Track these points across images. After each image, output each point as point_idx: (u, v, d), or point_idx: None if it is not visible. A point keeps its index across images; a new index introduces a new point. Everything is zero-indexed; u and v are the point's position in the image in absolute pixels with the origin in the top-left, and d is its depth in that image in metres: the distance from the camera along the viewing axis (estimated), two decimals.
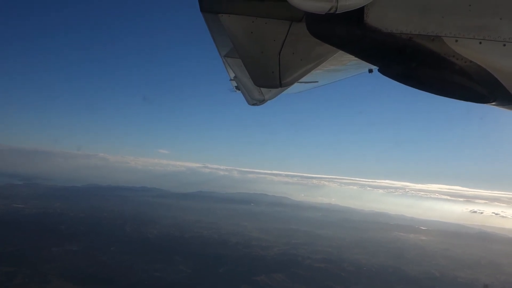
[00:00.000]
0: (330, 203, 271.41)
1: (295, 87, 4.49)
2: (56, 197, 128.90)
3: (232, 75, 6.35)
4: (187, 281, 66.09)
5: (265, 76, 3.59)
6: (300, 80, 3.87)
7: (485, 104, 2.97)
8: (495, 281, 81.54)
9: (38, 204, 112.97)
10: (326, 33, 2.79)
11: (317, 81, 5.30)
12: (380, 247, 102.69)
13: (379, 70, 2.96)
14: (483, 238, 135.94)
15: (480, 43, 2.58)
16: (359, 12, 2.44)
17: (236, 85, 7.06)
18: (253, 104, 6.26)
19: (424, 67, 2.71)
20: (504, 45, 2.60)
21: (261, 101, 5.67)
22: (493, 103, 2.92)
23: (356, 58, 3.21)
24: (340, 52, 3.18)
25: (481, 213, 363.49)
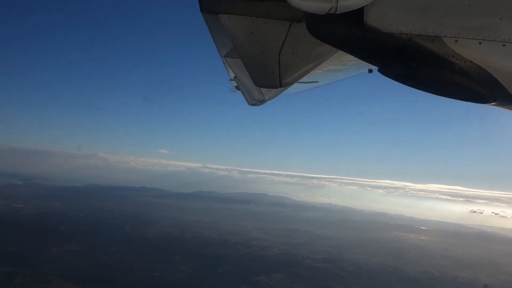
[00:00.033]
0: (330, 203, 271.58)
1: (295, 87, 4.49)
2: (56, 197, 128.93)
3: (232, 75, 6.36)
4: (187, 281, 66.10)
5: (265, 76, 3.59)
6: (300, 80, 3.87)
7: (485, 104, 2.98)
8: (495, 281, 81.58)
9: (38, 204, 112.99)
10: (326, 33, 2.79)
11: (317, 81, 5.30)
12: (380, 247, 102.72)
13: (379, 70, 2.97)
14: (483, 238, 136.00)
15: (480, 43, 2.58)
16: (359, 12, 2.44)
17: (236, 85, 7.07)
18: (253, 104, 6.26)
19: (424, 67, 2.71)
20: (504, 45, 2.60)
21: (261, 101, 5.67)
22: (493, 103, 2.93)
23: (356, 58, 3.21)
24: (340, 52, 3.18)
25: (481, 213, 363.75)
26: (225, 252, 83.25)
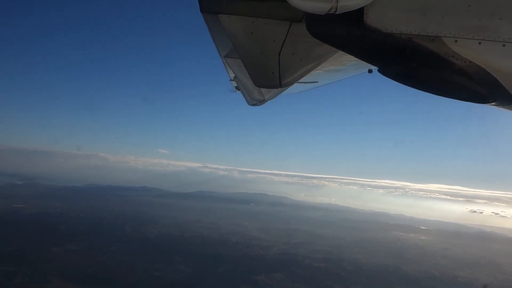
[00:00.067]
0: (330, 203, 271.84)
1: (295, 87, 4.49)
2: (56, 197, 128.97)
3: (232, 75, 6.36)
4: (187, 281, 66.12)
5: (265, 77, 3.59)
6: (300, 80, 3.87)
7: (485, 104, 2.98)
8: (494, 280, 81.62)
9: (38, 204, 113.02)
10: (326, 33, 2.79)
11: (317, 81, 5.30)
12: (380, 247, 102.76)
13: (378, 71, 2.97)
14: (483, 237, 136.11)
15: (480, 43, 2.58)
16: (359, 13, 2.44)
17: (236, 85, 7.07)
18: (253, 105, 6.26)
19: (423, 67, 2.71)
20: (504, 45, 2.61)
21: (261, 101, 5.68)
22: (493, 103, 2.93)
23: (356, 59, 3.21)
24: (340, 52, 3.18)
25: (481, 212, 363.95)
26: (225, 252, 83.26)
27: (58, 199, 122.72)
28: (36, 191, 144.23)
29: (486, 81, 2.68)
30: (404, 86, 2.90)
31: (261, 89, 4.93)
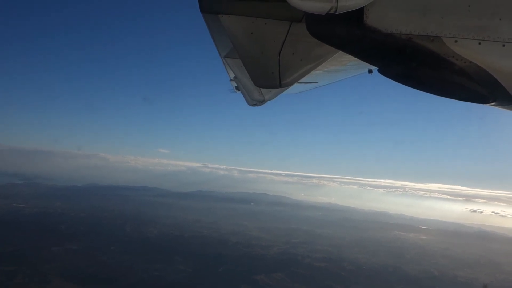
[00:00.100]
0: (330, 202, 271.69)
1: (295, 88, 4.49)
2: (56, 196, 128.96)
3: (232, 75, 6.35)
4: (187, 281, 66.14)
5: (265, 77, 3.58)
6: (300, 81, 3.87)
7: (484, 104, 2.98)
8: (494, 280, 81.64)
9: (38, 203, 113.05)
10: (326, 33, 2.79)
11: (317, 82, 5.30)
12: (380, 247, 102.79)
13: (378, 71, 2.97)
14: (483, 237, 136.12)
15: (480, 43, 2.58)
16: (359, 13, 2.44)
17: (236, 85, 7.06)
18: (253, 105, 6.26)
19: (423, 67, 2.72)
20: (504, 45, 2.61)
21: (261, 102, 5.68)
22: (493, 104, 2.93)
23: (356, 59, 3.21)
24: (340, 52, 3.17)
25: (481, 212, 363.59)
26: (225, 251, 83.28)
27: (58, 199, 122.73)
28: (36, 191, 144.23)
29: (486, 81, 2.68)
30: (404, 86, 2.90)
31: (261, 89, 4.93)
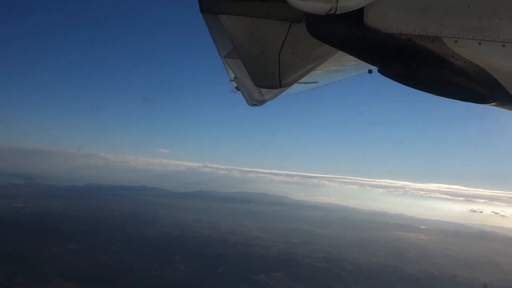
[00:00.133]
0: (330, 202, 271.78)
1: (295, 88, 4.49)
2: (56, 196, 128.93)
3: (232, 75, 6.35)
4: (187, 281, 66.14)
5: (265, 77, 3.59)
6: (300, 81, 3.87)
7: (484, 104, 2.98)
8: (494, 280, 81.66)
9: (38, 203, 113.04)
10: (326, 33, 2.79)
11: (317, 82, 5.30)
12: (380, 246, 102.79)
13: (378, 71, 2.97)
14: (483, 237, 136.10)
15: (480, 43, 2.59)
16: (359, 13, 2.44)
17: (236, 85, 7.06)
18: (253, 105, 6.26)
19: (423, 67, 2.72)
20: (504, 45, 2.61)
21: (261, 102, 5.67)
22: (493, 104, 2.94)
23: (356, 59, 3.21)
24: (340, 52, 3.18)
25: (481, 212, 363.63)
26: (225, 251, 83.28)
27: (59, 199, 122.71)
28: (37, 190, 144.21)
29: (486, 81, 2.69)
30: (404, 86, 2.90)
31: (261, 89, 4.92)
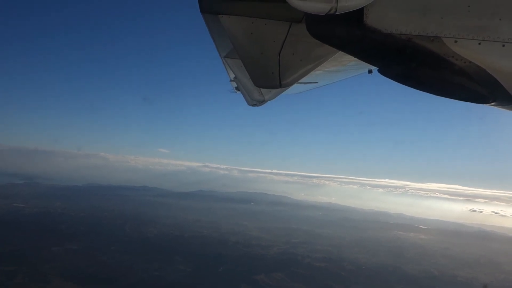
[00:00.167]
0: (330, 202, 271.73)
1: (295, 88, 4.50)
2: (56, 196, 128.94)
3: (232, 76, 6.35)
4: (187, 281, 66.14)
5: (265, 77, 3.59)
6: (300, 81, 3.87)
7: (484, 104, 2.98)
8: (494, 280, 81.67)
9: (38, 203, 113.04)
10: (326, 34, 2.79)
11: (317, 82, 5.30)
12: (380, 246, 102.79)
13: (378, 71, 2.97)
14: (483, 237, 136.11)
15: (480, 43, 2.59)
16: (359, 13, 2.44)
17: (236, 86, 7.06)
18: (253, 105, 6.25)
19: (423, 67, 2.72)
20: (503, 45, 2.61)
21: (261, 102, 5.67)
22: (493, 104, 2.93)
23: (356, 59, 3.21)
24: (340, 52, 3.18)
25: (481, 212, 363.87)
26: (225, 251, 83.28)
27: (59, 199, 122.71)
28: (37, 190, 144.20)
29: (486, 81, 2.69)
30: (404, 86, 2.90)
31: (261, 89, 4.92)
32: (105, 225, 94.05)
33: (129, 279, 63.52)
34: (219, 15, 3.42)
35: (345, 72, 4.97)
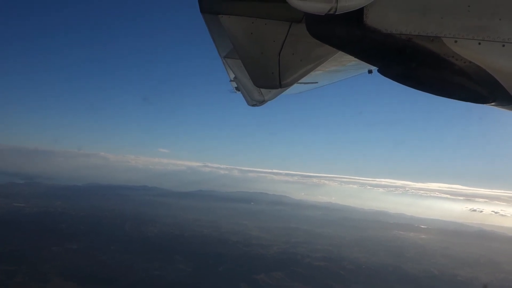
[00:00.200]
0: (330, 201, 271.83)
1: (295, 88, 4.49)
2: (57, 196, 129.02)
3: (232, 76, 6.35)
4: (187, 280, 66.20)
5: (265, 77, 3.59)
6: (300, 81, 3.87)
7: (484, 105, 2.98)
8: (494, 279, 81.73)
9: (39, 203, 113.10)
10: (325, 34, 2.79)
11: (316, 82, 5.30)
12: (380, 246, 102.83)
13: (378, 71, 2.97)
14: (483, 236, 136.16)
15: (479, 43, 2.59)
16: (359, 13, 2.45)
17: (236, 86, 7.06)
18: (253, 105, 6.25)
19: (423, 67, 2.72)
20: (503, 45, 2.61)
21: (261, 102, 5.67)
22: (493, 104, 2.93)
23: (355, 59, 3.21)
24: (340, 52, 3.18)
25: (481, 211, 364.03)
26: (225, 251, 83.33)
27: (59, 198, 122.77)
28: (37, 190, 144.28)
29: (486, 81, 2.69)
30: (404, 86, 2.90)
31: (261, 89, 4.92)
32: (105, 224, 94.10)
33: (129, 279, 63.57)
34: (219, 15, 3.42)
35: (345, 72, 4.97)
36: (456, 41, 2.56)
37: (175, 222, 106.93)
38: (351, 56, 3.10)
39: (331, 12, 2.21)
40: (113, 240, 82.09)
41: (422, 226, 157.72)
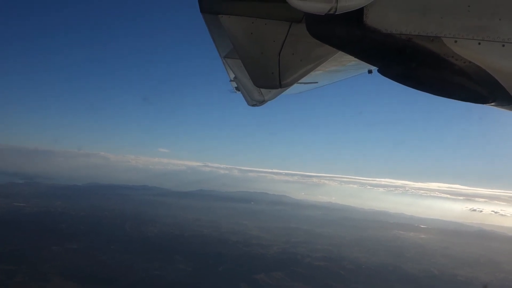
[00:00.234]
0: (330, 201, 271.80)
1: (295, 88, 4.50)
2: (57, 196, 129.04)
3: (232, 76, 6.35)
4: (187, 280, 66.21)
5: (265, 77, 3.59)
6: (300, 81, 3.87)
7: (484, 105, 2.98)
8: (494, 279, 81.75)
9: (39, 203, 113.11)
10: (325, 34, 2.79)
11: (316, 82, 5.30)
12: (379, 246, 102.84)
13: (378, 71, 2.97)
14: (483, 236, 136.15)
15: (479, 43, 2.59)
16: (359, 13, 2.45)
17: (236, 86, 7.06)
18: (253, 105, 6.25)
19: (423, 67, 2.72)
20: (503, 45, 2.61)
21: (261, 102, 5.67)
22: (493, 104, 2.94)
23: (355, 59, 3.22)
24: (340, 52, 3.18)
25: (481, 211, 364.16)
26: (225, 250, 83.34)
27: (59, 198, 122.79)
28: (37, 190, 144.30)
29: (486, 81, 2.69)
30: (404, 86, 2.90)
31: (261, 89, 4.93)
32: (105, 224, 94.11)
33: (129, 279, 63.59)
34: (219, 15, 3.43)
35: (345, 72, 4.97)
36: (456, 41, 2.56)
37: (175, 222, 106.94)
38: (351, 56, 3.11)
39: (331, 12, 2.21)
40: (113, 240, 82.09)
41: (422, 226, 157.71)
